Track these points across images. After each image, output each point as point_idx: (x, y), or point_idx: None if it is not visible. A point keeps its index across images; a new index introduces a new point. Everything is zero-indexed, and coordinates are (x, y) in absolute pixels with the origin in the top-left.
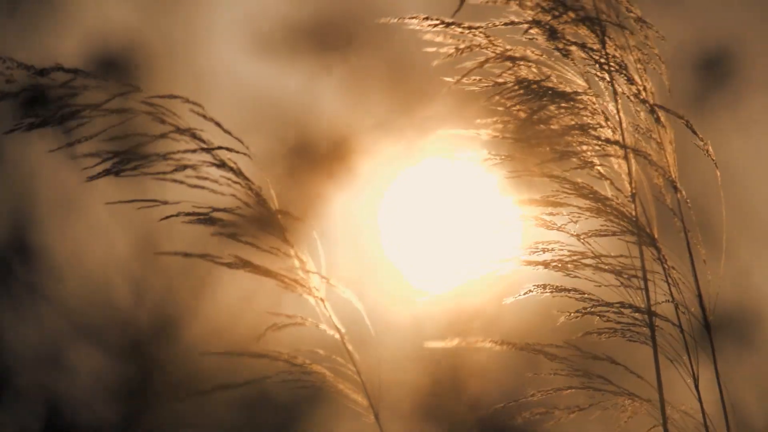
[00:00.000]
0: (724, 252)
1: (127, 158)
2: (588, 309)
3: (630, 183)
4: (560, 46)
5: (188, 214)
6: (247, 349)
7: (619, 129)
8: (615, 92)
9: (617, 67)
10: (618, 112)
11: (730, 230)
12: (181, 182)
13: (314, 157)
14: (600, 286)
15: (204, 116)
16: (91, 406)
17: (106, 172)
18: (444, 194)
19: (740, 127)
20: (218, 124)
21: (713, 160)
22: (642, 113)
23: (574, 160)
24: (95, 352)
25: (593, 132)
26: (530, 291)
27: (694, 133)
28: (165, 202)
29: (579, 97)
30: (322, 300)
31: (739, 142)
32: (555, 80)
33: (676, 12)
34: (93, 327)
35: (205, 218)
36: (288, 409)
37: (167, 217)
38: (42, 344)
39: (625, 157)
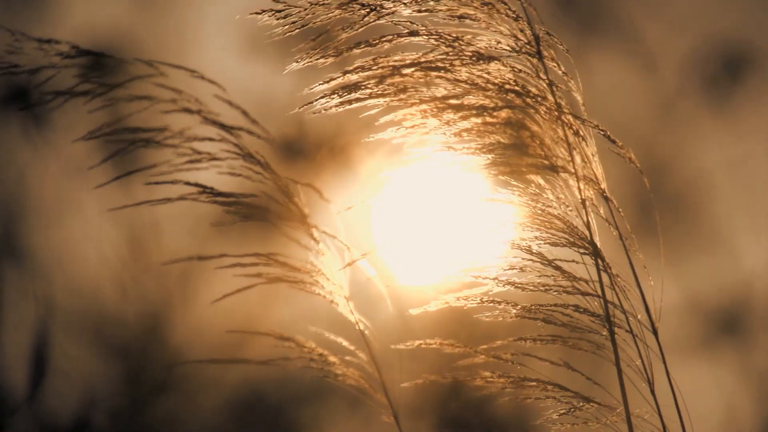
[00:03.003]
0: (662, 258)
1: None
2: (539, 309)
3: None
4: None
5: (207, 191)
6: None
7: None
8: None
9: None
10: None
11: (732, 228)
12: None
13: (304, 155)
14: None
15: (230, 102)
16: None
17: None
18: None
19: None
20: (245, 113)
21: (638, 166)
22: (560, 129)
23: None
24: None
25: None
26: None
27: (612, 141)
28: (169, 200)
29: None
30: (346, 298)
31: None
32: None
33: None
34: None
35: (225, 201)
36: (284, 408)
37: (182, 198)
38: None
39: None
